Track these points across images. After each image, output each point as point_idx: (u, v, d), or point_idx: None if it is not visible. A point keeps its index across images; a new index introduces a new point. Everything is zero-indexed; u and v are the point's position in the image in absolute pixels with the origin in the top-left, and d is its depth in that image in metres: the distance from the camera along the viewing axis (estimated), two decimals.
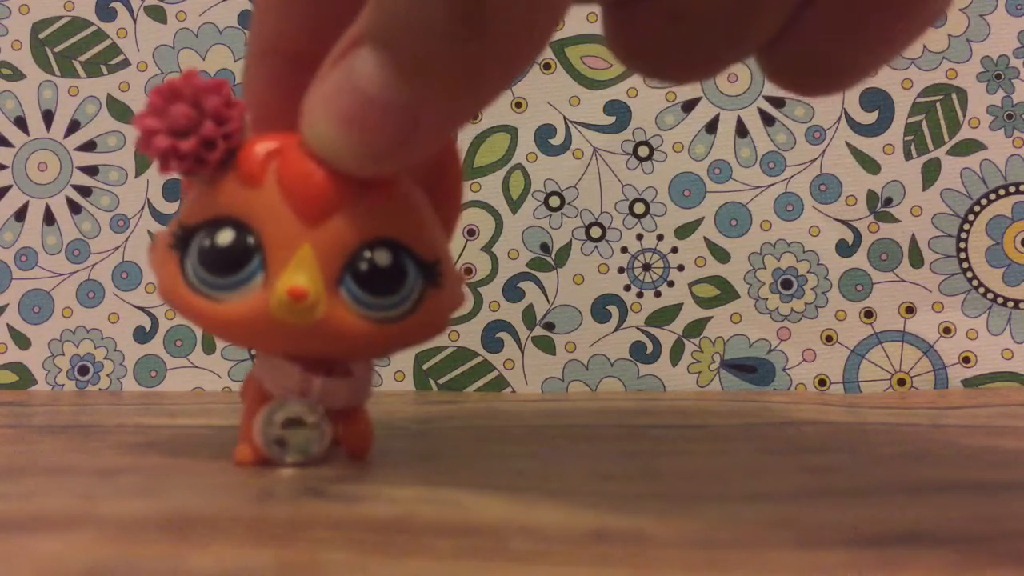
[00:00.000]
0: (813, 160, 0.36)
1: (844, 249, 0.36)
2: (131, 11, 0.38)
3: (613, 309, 0.36)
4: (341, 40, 0.16)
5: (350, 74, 0.15)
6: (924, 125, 0.36)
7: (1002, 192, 0.36)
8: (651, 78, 0.16)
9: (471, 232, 0.36)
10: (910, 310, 0.36)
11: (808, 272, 0.36)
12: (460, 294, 0.19)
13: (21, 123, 0.38)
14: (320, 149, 0.16)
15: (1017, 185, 0.36)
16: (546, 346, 0.36)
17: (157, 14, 0.38)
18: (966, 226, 0.36)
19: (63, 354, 0.37)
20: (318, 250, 0.17)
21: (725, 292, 0.36)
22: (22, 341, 0.37)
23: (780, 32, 0.15)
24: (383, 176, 0.17)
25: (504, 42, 0.14)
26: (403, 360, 0.36)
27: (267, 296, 0.16)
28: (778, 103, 0.36)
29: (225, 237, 0.17)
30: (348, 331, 0.17)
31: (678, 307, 0.36)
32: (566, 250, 0.36)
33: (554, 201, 0.36)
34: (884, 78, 0.36)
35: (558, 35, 0.37)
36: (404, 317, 0.17)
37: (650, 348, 0.36)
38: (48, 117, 0.38)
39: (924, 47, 0.36)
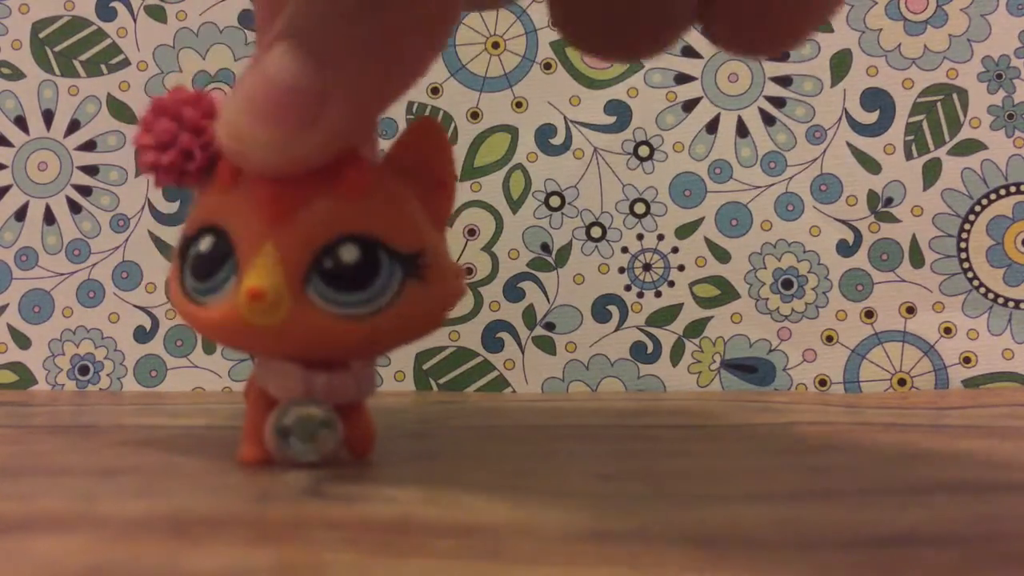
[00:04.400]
0: (814, 160, 0.36)
1: (845, 249, 0.36)
2: (131, 10, 0.38)
3: (613, 309, 0.36)
4: (262, 44, 0.16)
5: (264, 69, 0.15)
6: (925, 125, 0.36)
7: (1003, 192, 0.36)
8: (598, 54, 0.17)
9: (471, 232, 0.36)
10: (911, 310, 0.36)
11: (809, 272, 0.36)
12: (456, 287, 0.18)
13: (21, 123, 0.38)
14: (232, 145, 0.16)
15: (1018, 185, 0.36)
16: (546, 346, 0.36)
17: (157, 13, 0.38)
18: (967, 226, 0.36)
19: (63, 354, 0.37)
20: (282, 249, 0.16)
21: (725, 292, 0.36)
22: (22, 341, 0.37)
23: None
24: (350, 168, 0.17)
25: (405, 12, 0.15)
26: (403, 360, 0.36)
27: (236, 298, 0.17)
28: (779, 103, 0.36)
29: (206, 244, 0.17)
30: (317, 330, 0.17)
31: (678, 307, 0.36)
32: (566, 250, 0.36)
33: (554, 201, 0.36)
34: (885, 78, 0.36)
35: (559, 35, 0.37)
36: (379, 312, 0.17)
37: (650, 348, 0.36)
38: (48, 117, 0.38)
39: (925, 47, 0.36)
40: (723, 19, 0.16)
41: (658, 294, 0.36)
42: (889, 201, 0.36)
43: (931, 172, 0.36)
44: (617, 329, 0.36)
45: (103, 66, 0.38)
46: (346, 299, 0.17)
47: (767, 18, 0.16)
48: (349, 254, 0.17)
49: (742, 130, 0.36)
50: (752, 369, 0.36)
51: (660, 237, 0.36)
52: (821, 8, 0.16)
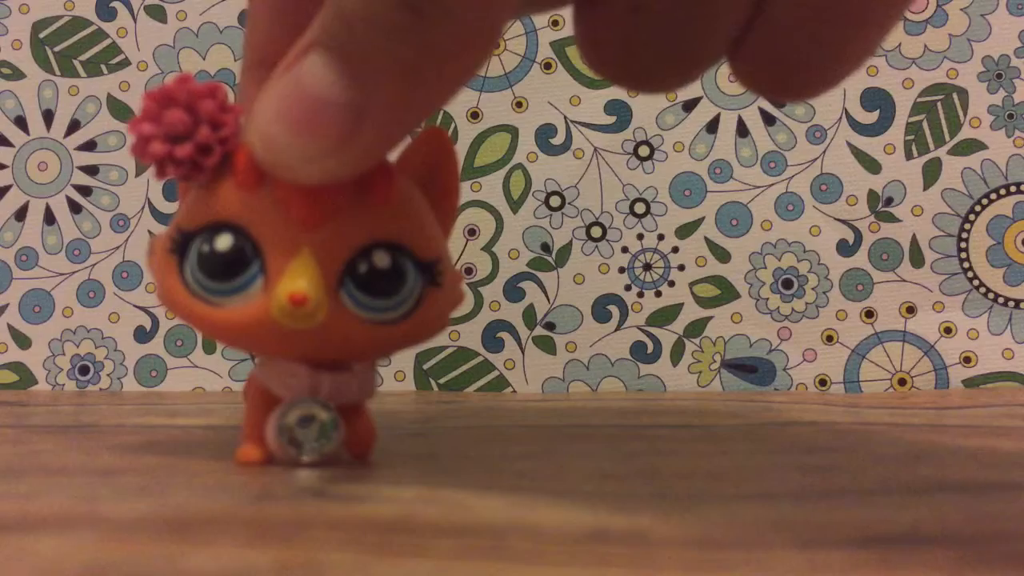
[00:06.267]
0: (814, 160, 0.36)
1: (845, 249, 0.36)
2: (131, 10, 0.38)
3: (614, 309, 0.36)
4: (293, 48, 0.15)
5: (299, 78, 0.15)
6: (925, 125, 0.36)
7: (1003, 192, 0.36)
8: (625, 85, 0.16)
9: (472, 232, 0.36)
10: (911, 310, 0.35)
11: (809, 272, 0.36)
12: (459, 292, 0.19)
13: (21, 123, 0.38)
14: (265, 154, 0.16)
15: (1018, 185, 0.36)
16: (547, 346, 0.36)
17: (157, 13, 0.38)
18: (967, 226, 0.36)
19: (63, 354, 0.37)
20: (317, 254, 0.17)
21: (726, 292, 0.36)
22: (22, 341, 0.37)
23: (745, 28, 0.15)
24: (380, 176, 0.17)
25: (448, 32, 0.14)
26: (404, 360, 0.36)
27: (268, 301, 0.16)
28: (779, 103, 0.36)
29: (223, 242, 0.17)
30: (350, 334, 0.17)
31: (679, 307, 0.36)
32: (567, 250, 0.36)
33: (555, 201, 0.36)
34: (885, 77, 0.36)
35: (558, 35, 0.37)
36: (405, 318, 0.17)
37: (651, 348, 0.36)
38: (48, 117, 0.38)
39: (925, 46, 0.36)
40: (754, 61, 0.15)
41: (658, 294, 0.36)
42: (889, 201, 0.36)
43: (931, 172, 0.36)
44: (617, 329, 0.36)
45: (103, 66, 0.38)
46: (377, 304, 0.17)
47: (800, 63, 0.15)
48: (382, 260, 0.17)
49: (742, 130, 0.36)
50: (752, 369, 0.36)
51: (660, 237, 0.36)
52: (855, 56, 0.16)
